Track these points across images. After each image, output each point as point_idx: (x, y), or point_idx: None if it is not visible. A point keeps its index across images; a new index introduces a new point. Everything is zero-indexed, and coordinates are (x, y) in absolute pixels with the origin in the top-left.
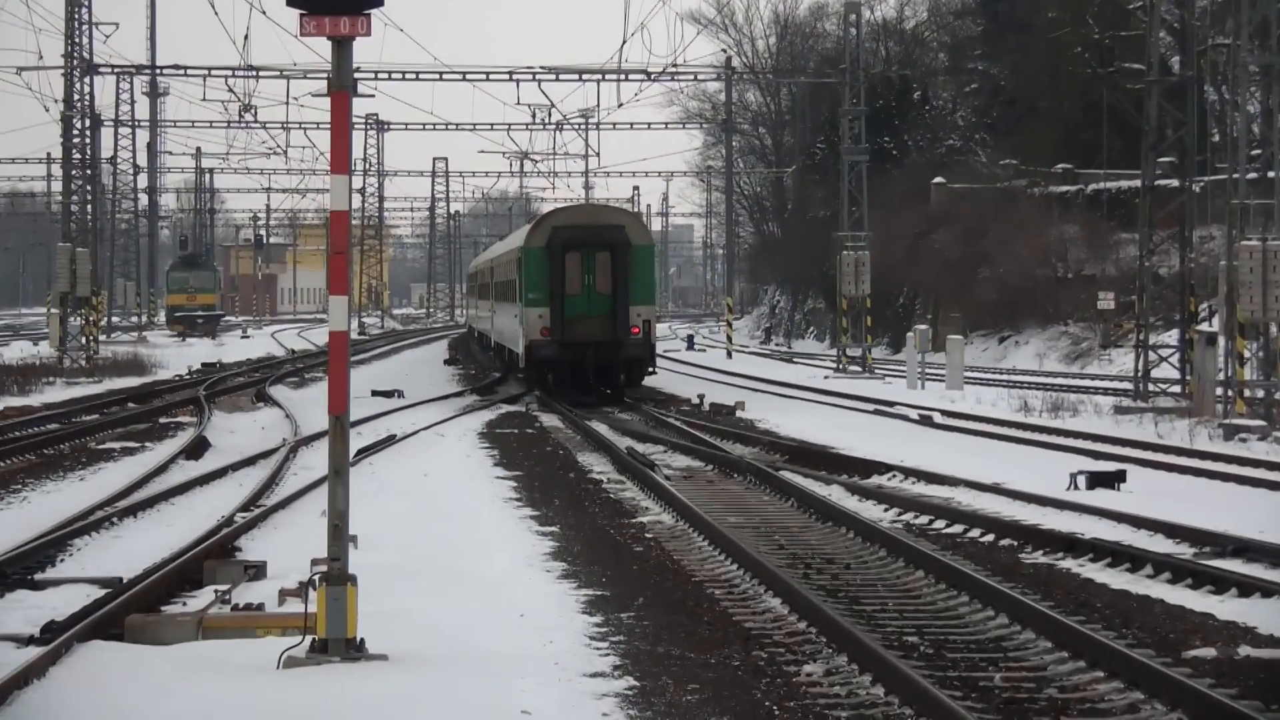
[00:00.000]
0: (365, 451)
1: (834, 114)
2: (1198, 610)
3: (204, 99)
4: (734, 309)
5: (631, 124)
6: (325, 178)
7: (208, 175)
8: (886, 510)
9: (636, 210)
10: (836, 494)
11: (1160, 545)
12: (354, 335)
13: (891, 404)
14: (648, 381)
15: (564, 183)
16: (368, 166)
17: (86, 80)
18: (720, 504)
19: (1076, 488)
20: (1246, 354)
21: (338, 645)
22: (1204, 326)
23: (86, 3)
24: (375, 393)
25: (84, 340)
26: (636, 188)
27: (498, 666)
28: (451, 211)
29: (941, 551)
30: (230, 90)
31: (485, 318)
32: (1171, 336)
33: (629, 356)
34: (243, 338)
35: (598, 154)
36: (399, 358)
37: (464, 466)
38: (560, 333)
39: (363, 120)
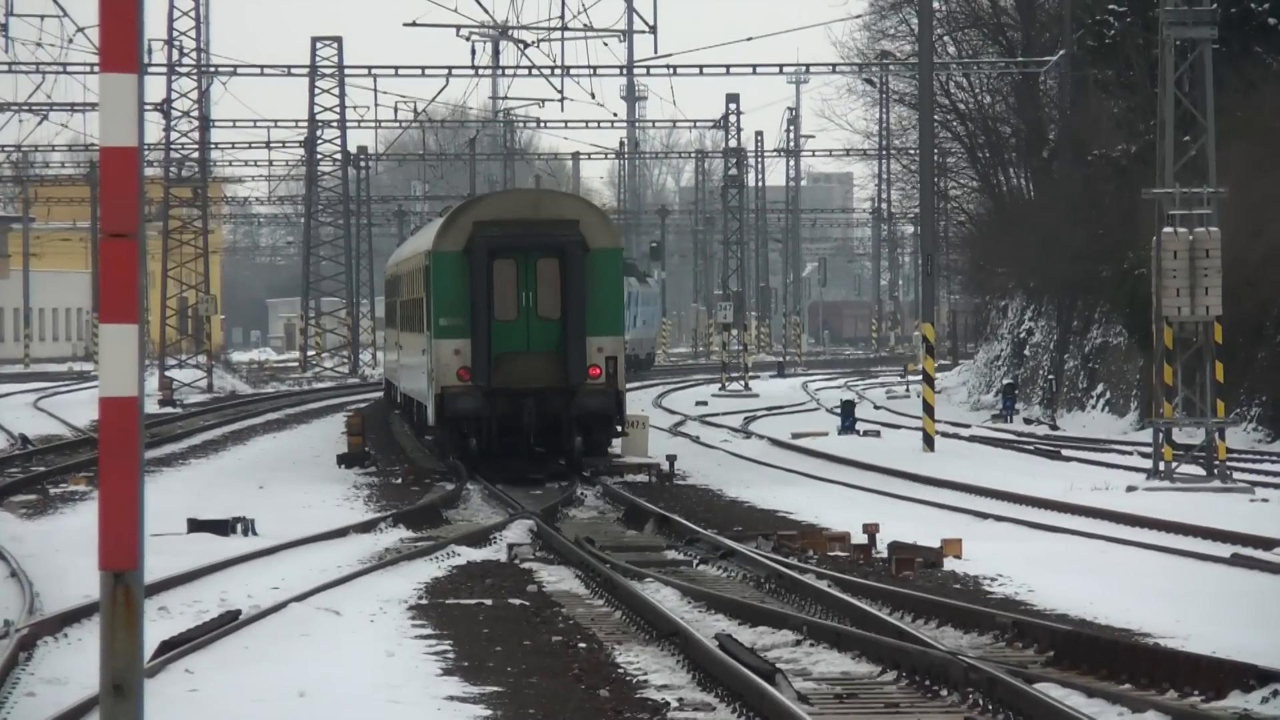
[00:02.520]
0: (178, 647)
1: None
2: None
3: None
4: (937, 349)
5: None
6: (89, 80)
7: None
8: None
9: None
10: None
11: None
12: (153, 407)
13: (1269, 543)
14: (762, 499)
15: (582, 87)
16: (180, 54)
17: None
18: None
19: None
20: None
21: None
22: None
23: None
24: (197, 525)
25: None
26: (734, 97)
27: None
28: (354, 150)
29: None
30: None
31: (394, 361)
32: None
33: (586, 410)
34: None
35: (652, 28)
36: (246, 451)
37: (381, 677)
38: (486, 376)
39: None
